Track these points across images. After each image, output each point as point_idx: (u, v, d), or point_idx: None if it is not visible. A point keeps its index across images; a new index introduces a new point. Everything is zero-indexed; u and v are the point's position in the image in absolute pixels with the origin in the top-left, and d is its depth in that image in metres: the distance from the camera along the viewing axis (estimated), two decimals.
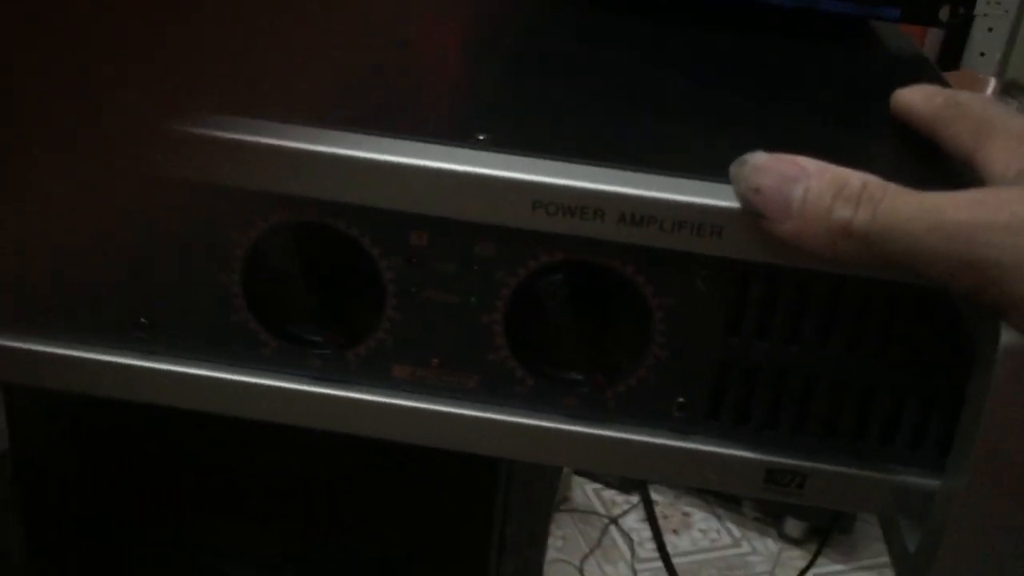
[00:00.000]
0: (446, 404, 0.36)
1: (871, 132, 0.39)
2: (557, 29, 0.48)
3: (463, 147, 0.33)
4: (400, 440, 0.36)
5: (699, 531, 1.76)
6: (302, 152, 0.33)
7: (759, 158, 0.30)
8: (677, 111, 0.39)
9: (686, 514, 1.79)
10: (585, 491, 1.80)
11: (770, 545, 1.73)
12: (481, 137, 0.34)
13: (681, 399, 0.35)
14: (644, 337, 0.34)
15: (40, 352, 0.37)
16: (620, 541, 1.73)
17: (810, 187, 0.29)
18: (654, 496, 1.80)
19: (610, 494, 1.81)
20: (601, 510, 1.78)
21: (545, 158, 0.33)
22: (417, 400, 0.36)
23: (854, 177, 0.29)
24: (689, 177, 0.32)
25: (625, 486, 1.81)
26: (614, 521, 1.77)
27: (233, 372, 0.36)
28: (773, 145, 0.36)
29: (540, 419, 0.36)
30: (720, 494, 1.80)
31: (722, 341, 0.34)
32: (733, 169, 0.31)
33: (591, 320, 0.34)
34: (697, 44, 0.48)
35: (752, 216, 0.31)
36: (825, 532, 1.67)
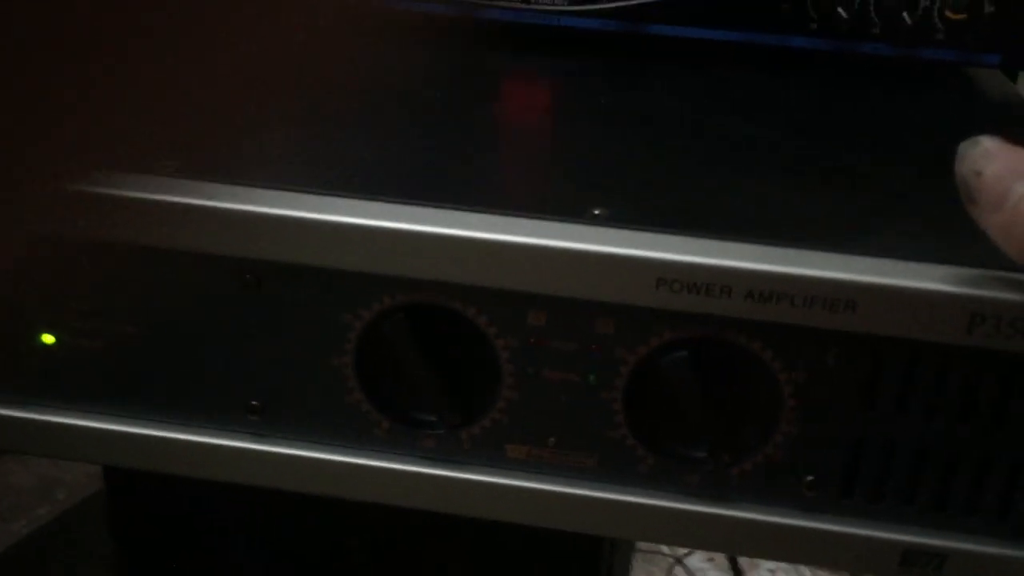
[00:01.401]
0: (563, 484, 0.35)
1: None
2: (625, 83, 0.47)
3: (581, 223, 0.32)
4: (515, 521, 0.35)
5: (767, 571, 1.72)
6: (414, 233, 0.32)
7: (992, 143, 0.29)
8: (788, 172, 0.38)
9: None
10: None
11: None
12: (597, 212, 0.33)
13: (811, 477, 0.33)
14: (772, 413, 0.33)
15: (148, 436, 0.36)
16: None
17: None
18: None
19: None
20: (666, 550, 1.75)
21: (667, 233, 0.32)
22: (533, 480, 0.35)
23: None
24: (819, 249, 0.31)
25: None
26: (679, 561, 1.73)
27: (345, 454, 0.36)
28: (904, 207, 0.35)
29: (661, 499, 0.34)
30: None
31: (855, 417, 0.33)
32: (963, 147, 0.29)
33: (716, 396, 0.33)
34: (788, 95, 0.47)
35: (887, 289, 0.30)
36: None
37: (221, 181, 0.33)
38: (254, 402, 0.36)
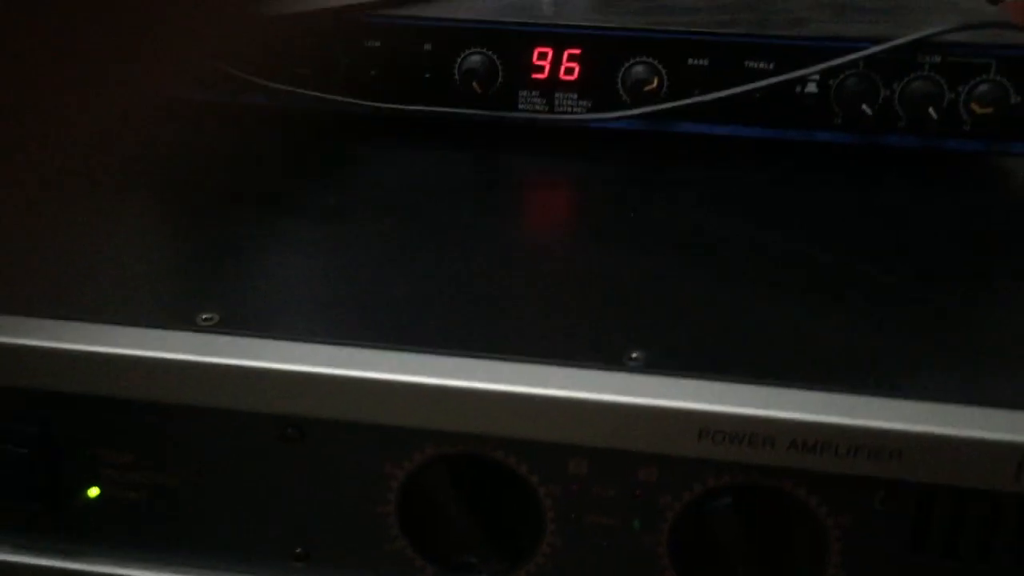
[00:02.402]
0: None
1: None
2: (651, 190, 0.47)
3: (619, 371, 0.32)
4: None
5: None
6: (450, 389, 0.32)
7: None
8: (827, 299, 0.37)
9: None
10: None
11: None
12: (634, 355, 0.33)
13: None
14: (818, 556, 0.33)
15: None
16: None
17: None
18: None
19: None
20: None
21: (707, 379, 0.32)
22: None
23: None
24: (863, 394, 0.31)
25: None
26: None
27: None
28: (949, 336, 0.34)
29: None
30: None
31: (906, 557, 0.32)
32: None
33: (761, 540, 0.33)
34: (818, 197, 0.47)
35: (933, 437, 0.30)
36: None
37: (258, 336, 0.34)
38: (299, 549, 0.36)
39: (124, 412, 0.35)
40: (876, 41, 0.47)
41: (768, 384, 0.31)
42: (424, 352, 0.33)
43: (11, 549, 0.38)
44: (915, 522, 0.32)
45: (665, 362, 0.32)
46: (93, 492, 0.36)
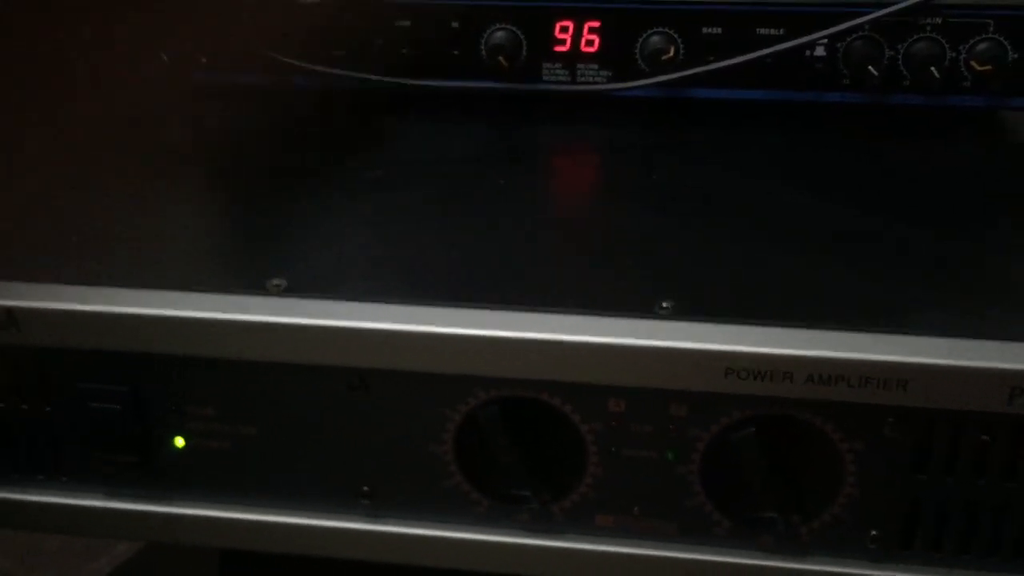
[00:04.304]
0: (648, 548, 0.39)
1: None
2: (669, 152, 0.50)
3: (651, 318, 0.36)
4: None
5: None
6: (501, 339, 0.36)
7: None
8: (838, 247, 0.40)
9: None
10: None
11: None
12: (664, 304, 0.36)
13: (875, 532, 0.37)
14: (835, 478, 0.36)
15: (272, 522, 0.41)
16: None
17: None
18: None
19: None
20: None
21: (731, 323, 0.35)
22: (620, 545, 0.39)
23: None
24: (871, 331, 0.34)
25: None
26: None
27: (449, 530, 0.40)
28: (949, 278, 0.38)
29: (738, 557, 0.38)
30: None
31: (911, 478, 0.36)
32: None
33: (783, 466, 0.36)
34: (828, 155, 0.50)
35: (935, 368, 0.33)
36: None
37: (324, 298, 0.37)
38: (365, 487, 0.40)
39: (206, 369, 0.39)
40: (881, 5, 0.50)
41: (786, 325, 0.35)
42: (475, 307, 0.37)
43: (105, 496, 0.42)
44: (920, 444, 0.35)
45: (692, 309, 0.36)
46: (179, 443, 0.40)
